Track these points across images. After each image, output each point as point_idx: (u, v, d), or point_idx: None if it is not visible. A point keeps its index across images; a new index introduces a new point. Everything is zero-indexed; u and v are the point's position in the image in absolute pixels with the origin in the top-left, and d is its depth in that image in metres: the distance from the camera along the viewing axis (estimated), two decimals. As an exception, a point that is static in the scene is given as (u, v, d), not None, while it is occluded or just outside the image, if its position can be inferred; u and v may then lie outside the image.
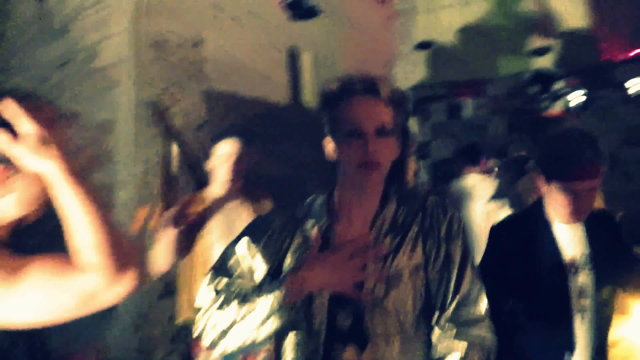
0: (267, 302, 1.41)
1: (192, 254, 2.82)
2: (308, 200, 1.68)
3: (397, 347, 1.45)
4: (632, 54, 6.77)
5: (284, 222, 1.62)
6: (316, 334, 1.46)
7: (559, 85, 7.38)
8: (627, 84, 6.73)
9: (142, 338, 4.04)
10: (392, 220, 1.56)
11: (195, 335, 1.55)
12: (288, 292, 1.41)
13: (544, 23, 7.62)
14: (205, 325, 1.51)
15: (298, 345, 1.48)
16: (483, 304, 1.53)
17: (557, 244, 1.99)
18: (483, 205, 4.53)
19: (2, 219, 1.29)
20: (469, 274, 1.53)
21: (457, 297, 1.50)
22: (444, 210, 1.58)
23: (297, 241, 1.57)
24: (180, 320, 2.92)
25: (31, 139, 1.14)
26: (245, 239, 1.62)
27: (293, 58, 6.08)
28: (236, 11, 5.19)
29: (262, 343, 1.47)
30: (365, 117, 1.48)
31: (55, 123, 1.24)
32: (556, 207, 1.97)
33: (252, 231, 1.65)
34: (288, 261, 1.55)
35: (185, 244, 2.71)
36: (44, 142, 1.14)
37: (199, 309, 1.56)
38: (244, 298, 1.47)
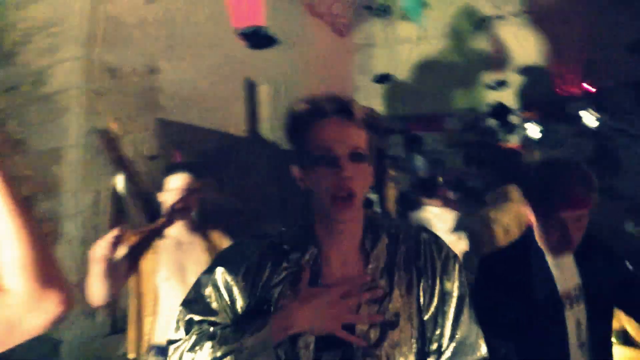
0: (249, 342, 1.28)
1: (141, 290, 2.71)
2: (288, 228, 1.52)
3: None
4: (584, 88, 6.93)
5: (264, 252, 1.43)
6: None
7: (515, 118, 7.50)
8: (581, 117, 6.88)
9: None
10: (388, 258, 1.41)
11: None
12: (274, 331, 1.27)
13: (499, 58, 7.77)
14: None
15: None
16: (482, 351, 1.39)
17: (552, 275, 1.91)
18: (443, 237, 4.49)
19: None
20: (466, 317, 1.38)
21: (453, 343, 1.36)
22: (438, 247, 1.44)
23: (281, 274, 1.40)
24: (131, 356, 2.78)
25: None
26: (220, 270, 1.42)
27: (251, 89, 6.03)
28: (193, 41, 5.12)
29: None
30: (337, 140, 1.34)
31: None
32: (546, 238, 1.90)
33: (228, 260, 1.45)
34: (271, 295, 1.37)
35: (121, 276, 2.58)
36: None
37: (168, 345, 1.40)
38: (221, 339, 1.32)
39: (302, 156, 1.40)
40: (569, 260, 1.93)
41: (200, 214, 2.93)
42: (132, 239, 2.72)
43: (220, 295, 1.41)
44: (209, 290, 1.42)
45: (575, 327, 1.86)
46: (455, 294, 1.40)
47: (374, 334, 1.32)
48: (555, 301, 1.87)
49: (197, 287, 1.45)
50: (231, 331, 1.34)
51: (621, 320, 2.59)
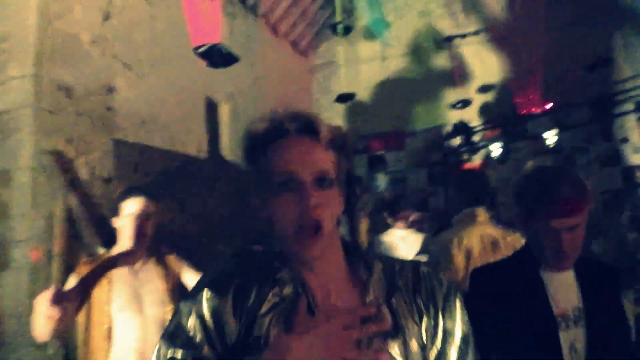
0: None
1: (94, 322, 2.57)
2: (268, 248, 1.35)
3: None
4: (546, 107, 7.02)
5: (249, 273, 1.27)
6: None
7: (477, 137, 7.55)
8: (543, 136, 6.97)
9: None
10: (387, 289, 1.27)
11: None
12: None
13: (459, 78, 7.83)
14: None
15: None
16: None
17: (547, 293, 1.82)
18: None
19: None
20: (470, 357, 1.26)
21: None
22: (439, 282, 1.30)
23: (271, 300, 1.23)
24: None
25: None
26: (205, 295, 1.24)
27: (211, 109, 5.91)
28: (152, 59, 4.98)
29: None
30: (301, 163, 1.18)
31: None
32: (540, 250, 1.83)
33: (213, 283, 1.27)
34: (260, 326, 1.20)
35: (70, 311, 2.46)
36: None
37: None
38: None
39: (262, 182, 1.24)
40: (568, 279, 1.85)
41: (158, 239, 2.81)
42: (84, 269, 2.59)
43: (204, 326, 1.21)
44: (192, 321, 1.22)
45: (569, 351, 1.76)
46: (459, 331, 1.27)
47: None
48: (548, 319, 1.78)
49: (178, 317, 1.26)
50: None
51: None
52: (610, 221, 5.96)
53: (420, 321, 1.25)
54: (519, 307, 1.80)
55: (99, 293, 2.57)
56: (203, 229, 4.97)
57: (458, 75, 7.81)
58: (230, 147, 5.92)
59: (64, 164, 3.95)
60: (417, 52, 8.38)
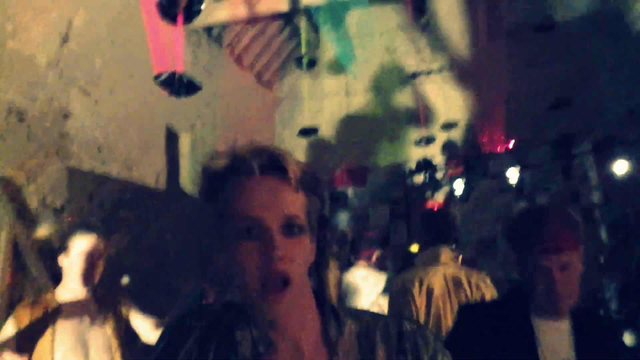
0: None
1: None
2: (230, 299, 1.16)
3: None
4: (509, 146, 7.10)
5: (208, 335, 1.10)
6: None
7: (440, 175, 7.57)
8: (505, 174, 7.04)
9: None
10: (360, 351, 1.10)
11: None
12: None
13: (423, 115, 7.87)
14: None
15: None
16: None
17: (536, 341, 1.71)
18: (372, 300, 4.37)
19: None
20: None
21: None
22: (425, 340, 1.12)
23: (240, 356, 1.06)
24: None
25: None
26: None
27: (171, 138, 5.75)
28: (109, 85, 4.81)
29: None
30: (266, 206, 1.01)
31: None
32: (533, 293, 1.73)
33: (166, 353, 1.11)
34: None
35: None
36: None
37: None
38: None
39: (221, 227, 1.06)
40: (562, 329, 1.74)
41: (108, 278, 2.63)
42: (22, 315, 2.39)
43: None
44: None
45: None
46: None
47: None
48: None
49: None
50: None
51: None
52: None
53: None
54: (504, 353, 1.70)
55: (41, 342, 2.38)
56: (158, 264, 4.77)
57: (422, 112, 7.85)
58: (190, 178, 5.75)
59: (12, 192, 3.74)
60: (381, 87, 8.41)
